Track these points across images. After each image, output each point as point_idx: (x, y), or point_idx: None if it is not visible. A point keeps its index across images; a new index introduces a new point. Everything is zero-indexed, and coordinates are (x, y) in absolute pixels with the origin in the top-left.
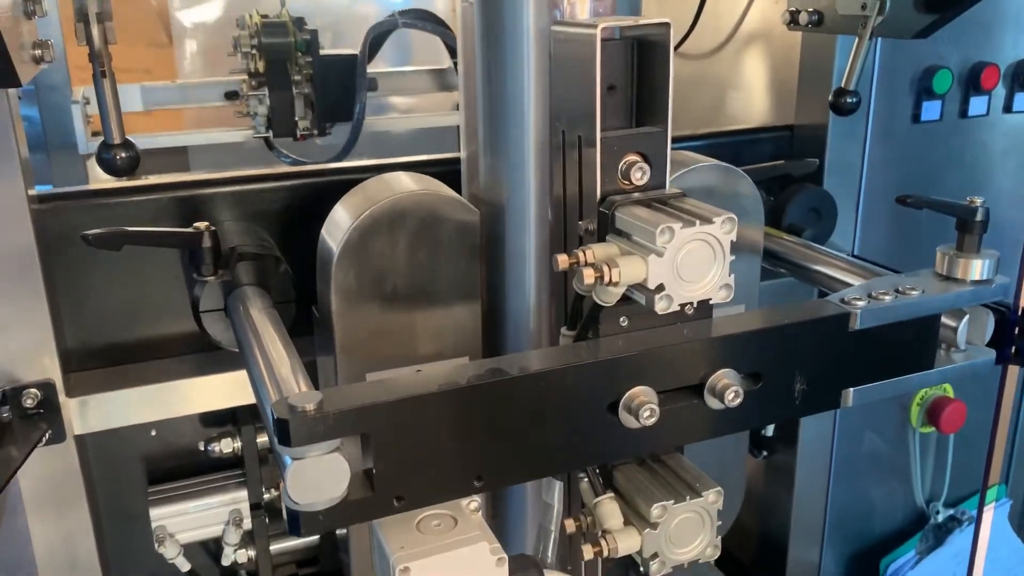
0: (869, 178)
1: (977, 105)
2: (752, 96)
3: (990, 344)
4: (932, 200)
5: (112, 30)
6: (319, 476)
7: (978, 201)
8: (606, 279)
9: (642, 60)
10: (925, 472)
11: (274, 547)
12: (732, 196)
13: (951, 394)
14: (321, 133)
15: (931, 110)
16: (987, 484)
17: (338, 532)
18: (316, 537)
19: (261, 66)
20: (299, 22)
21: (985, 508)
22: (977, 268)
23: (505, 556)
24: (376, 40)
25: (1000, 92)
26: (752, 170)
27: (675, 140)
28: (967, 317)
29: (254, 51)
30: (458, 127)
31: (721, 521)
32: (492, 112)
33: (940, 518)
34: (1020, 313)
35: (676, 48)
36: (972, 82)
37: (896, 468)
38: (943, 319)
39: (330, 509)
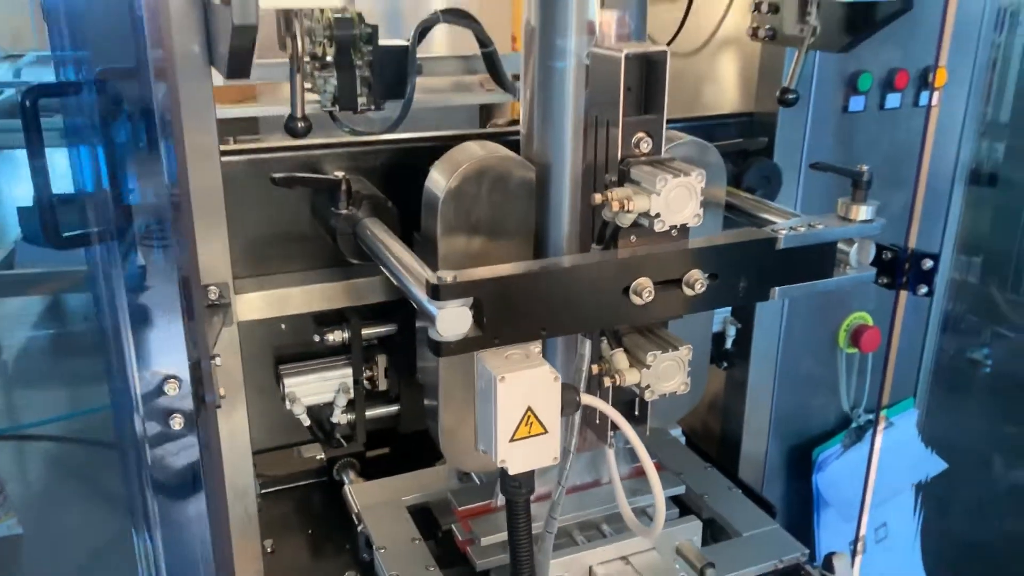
0: (809, 153)
1: (892, 100)
2: (724, 88)
3: (886, 275)
4: (834, 166)
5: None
6: (453, 319)
7: (864, 168)
8: (625, 208)
9: (649, 70)
10: (850, 384)
11: (370, 412)
12: (704, 163)
13: (870, 322)
14: (377, 108)
15: (856, 103)
16: (884, 388)
17: (425, 401)
18: (396, 407)
19: (331, 52)
20: (361, 17)
21: (897, 417)
22: (863, 212)
23: (559, 376)
24: (422, 32)
25: (910, 90)
26: (718, 145)
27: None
28: (856, 245)
29: (324, 40)
30: (479, 108)
31: (691, 379)
32: (544, 101)
33: (861, 421)
34: (908, 252)
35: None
36: (888, 82)
37: (827, 381)
38: (840, 245)
39: (458, 342)
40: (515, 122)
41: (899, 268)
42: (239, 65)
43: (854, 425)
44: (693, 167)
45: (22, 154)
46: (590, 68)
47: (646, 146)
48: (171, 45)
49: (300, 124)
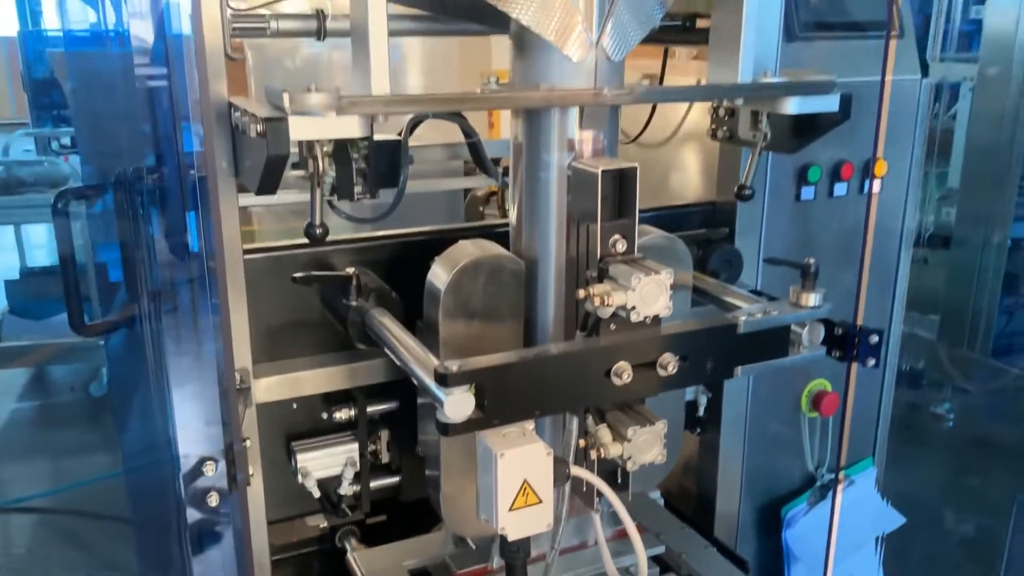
0: (767, 238)
1: (839, 189)
2: (689, 176)
3: (838, 349)
4: (785, 260)
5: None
6: (459, 404)
7: (811, 260)
8: (605, 302)
9: (622, 182)
10: (813, 446)
11: (373, 483)
12: (672, 252)
13: (829, 388)
14: (372, 196)
15: (807, 193)
16: (842, 446)
17: (427, 472)
18: (397, 477)
19: (329, 148)
20: None
21: (858, 475)
22: (812, 299)
23: (552, 451)
24: (412, 127)
25: (855, 180)
26: (683, 235)
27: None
28: (807, 327)
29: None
30: (463, 191)
31: (667, 449)
32: (531, 204)
33: (825, 479)
34: (856, 328)
35: (635, 139)
36: (835, 173)
37: (792, 443)
38: (793, 328)
39: (463, 423)
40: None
41: (850, 343)
42: (270, 185)
43: (819, 484)
44: (663, 266)
45: (7, 229)
46: (571, 180)
47: (621, 246)
48: (213, 162)
49: (319, 230)
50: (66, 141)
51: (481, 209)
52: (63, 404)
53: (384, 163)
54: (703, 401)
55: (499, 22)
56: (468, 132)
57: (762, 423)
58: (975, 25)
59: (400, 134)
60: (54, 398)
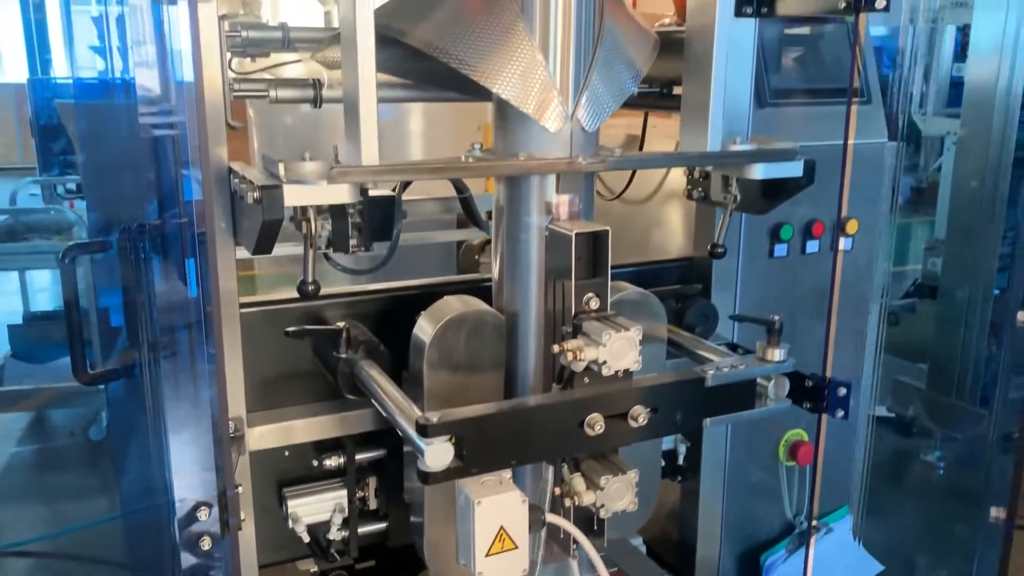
0: (741, 293)
1: (812, 246)
2: (670, 231)
3: (809, 401)
4: (751, 316)
5: None
6: (439, 453)
7: (776, 317)
8: (577, 357)
9: (595, 244)
10: (791, 494)
11: (361, 529)
12: (646, 307)
13: (805, 438)
14: (367, 249)
15: (780, 250)
16: (814, 495)
17: (412, 519)
18: (385, 523)
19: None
20: None
21: (836, 523)
22: (777, 354)
23: (527, 499)
24: (406, 183)
25: (827, 237)
26: (658, 291)
27: (617, 267)
28: (773, 381)
29: None
30: (456, 243)
31: (638, 495)
32: (512, 262)
33: (803, 527)
34: (825, 381)
35: (619, 196)
36: (807, 231)
37: (771, 491)
38: (759, 381)
39: (443, 472)
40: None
41: (819, 395)
42: (265, 246)
43: (797, 531)
44: (633, 323)
45: (10, 275)
46: (548, 241)
47: (594, 303)
48: (212, 226)
49: (311, 287)
50: (72, 186)
51: (476, 257)
52: (62, 448)
53: (379, 218)
54: (682, 450)
55: (483, 93)
56: (460, 188)
57: (741, 471)
58: (959, 80)
59: (394, 189)
60: (53, 442)
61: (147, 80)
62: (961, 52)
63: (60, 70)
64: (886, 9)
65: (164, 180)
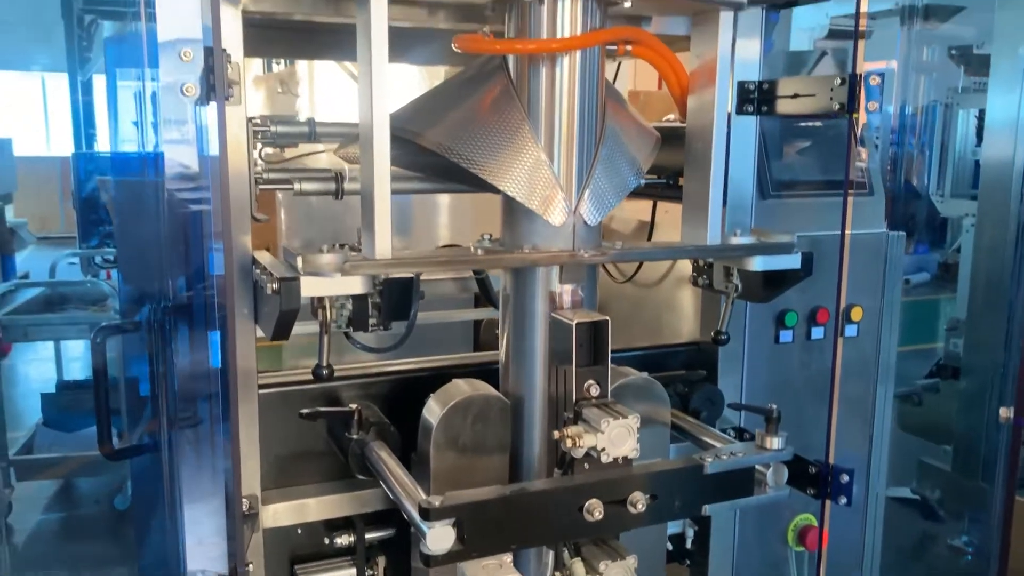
0: (748, 379)
1: (816, 332)
2: (681, 315)
3: (812, 487)
4: (749, 405)
5: None
6: (440, 537)
7: (774, 406)
8: (576, 444)
9: (595, 332)
10: None
11: None
12: (649, 392)
13: (814, 523)
14: (385, 328)
15: (785, 336)
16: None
17: None
18: None
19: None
20: None
21: None
22: (775, 442)
23: None
24: None
25: (831, 324)
26: (662, 376)
27: (624, 351)
28: (772, 468)
29: None
30: (473, 322)
31: None
32: (518, 347)
33: None
34: (828, 467)
35: (630, 279)
36: (812, 318)
37: (779, 575)
38: (758, 468)
39: (444, 555)
40: None
41: (822, 482)
42: (282, 333)
43: None
44: (631, 411)
45: (44, 345)
46: (550, 329)
47: (595, 391)
48: (233, 310)
49: (325, 371)
50: (109, 256)
51: (497, 332)
52: (88, 516)
53: (397, 298)
54: (691, 533)
55: (492, 187)
56: (476, 269)
57: (750, 556)
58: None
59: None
60: (80, 510)
61: (182, 156)
62: (978, 135)
63: (103, 145)
64: (878, 111)
65: (193, 257)
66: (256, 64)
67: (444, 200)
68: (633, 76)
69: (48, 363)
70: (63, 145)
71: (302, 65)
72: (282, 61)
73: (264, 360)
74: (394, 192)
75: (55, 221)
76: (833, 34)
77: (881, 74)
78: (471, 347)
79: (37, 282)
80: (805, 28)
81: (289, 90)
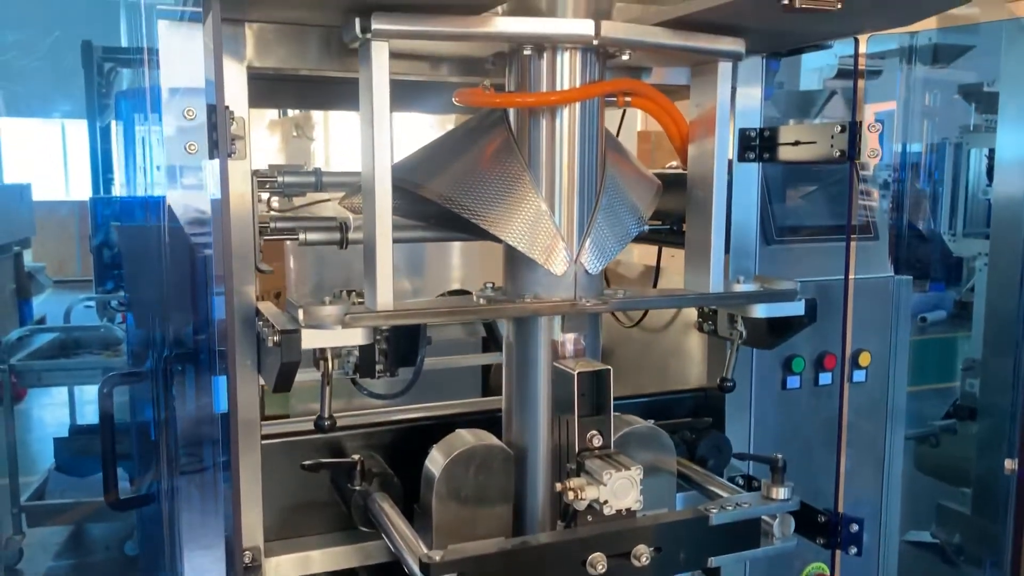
0: (756, 425)
1: (824, 378)
2: (689, 360)
3: (822, 536)
4: (754, 455)
5: None
6: None
7: (779, 456)
8: (579, 496)
9: (598, 382)
10: None
11: None
12: (654, 440)
13: (827, 572)
14: (392, 375)
15: (793, 382)
16: None
17: None
18: None
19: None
20: None
21: None
22: (782, 492)
23: None
24: None
25: (839, 369)
26: (667, 424)
27: (629, 398)
28: (778, 519)
29: None
30: (481, 367)
31: None
32: (520, 397)
33: None
34: (838, 516)
35: (637, 324)
36: (819, 363)
37: None
38: (765, 519)
39: None
40: None
41: (832, 531)
42: (284, 386)
43: None
44: (633, 462)
45: (58, 390)
46: (552, 378)
47: (597, 441)
48: (234, 364)
49: (327, 422)
50: (124, 299)
51: None
52: (98, 563)
53: (404, 345)
54: None
55: (494, 237)
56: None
57: None
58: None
59: None
60: (90, 556)
61: (189, 201)
62: (989, 175)
63: (122, 191)
64: (879, 157)
65: (199, 303)
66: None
67: (456, 243)
68: (644, 117)
69: (63, 408)
70: (83, 190)
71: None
72: None
73: (272, 404)
74: (397, 240)
75: (72, 265)
76: (842, 74)
77: (881, 120)
78: (480, 392)
79: (51, 327)
80: (815, 68)
81: (304, 134)
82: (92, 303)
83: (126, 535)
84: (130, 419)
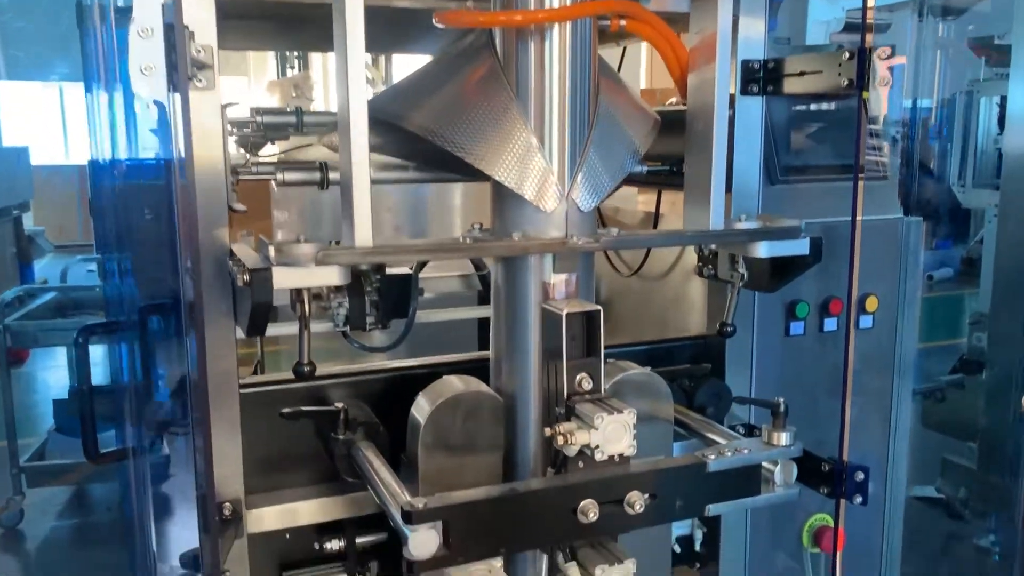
0: (757, 372)
1: (829, 324)
2: (690, 308)
3: (826, 486)
4: (754, 399)
5: None
6: (423, 541)
7: (780, 400)
8: (569, 441)
9: (588, 323)
10: None
11: None
12: (650, 387)
13: (831, 523)
14: (384, 327)
15: (796, 328)
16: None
17: None
18: None
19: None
20: None
21: None
22: (783, 438)
23: None
24: (423, 261)
25: (845, 315)
26: (666, 371)
27: (627, 345)
28: (779, 465)
29: None
30: (478, 320)
31: None
32: (510, 341)
33: None
34: (843, 465)
35: (636, 272)
36: (824, 308)
37: None
38: (765, 465)
39: (428, 560)
40: None
41: (837, 479)
42: (257, 328)
43: None
44: (626, 405)
45: (61, 352)
46: (542, 320)
47: (587, 384)
48: (201, 307)
49: (307, 368)
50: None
51: None
52: (99, 523)
53: (395, 296)
54: (699, 535)
55: (482, 174)
56: (478, 265)
57: (763, 558)
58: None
59: (411, 267)
60: (91, 517)
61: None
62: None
63: (122, 152)
64: (890, 86)
65: (174, 259)
66: (271, 69)
67: (458, 201)
68: (649, 73)
69: (62, 370)
70: (83, 154)
71: (316, 69)
72: (296, 66)
73: (271, 366)
74: (377, 182)
75: (73, 229)
76: (849, 27)
77: (893, 45)
78: (476, 346)
79: (47, 287)
80: (821, 21)
81: (303, 94)
82: (94, 266)
83: (125, 495)
84: (132, 377)
